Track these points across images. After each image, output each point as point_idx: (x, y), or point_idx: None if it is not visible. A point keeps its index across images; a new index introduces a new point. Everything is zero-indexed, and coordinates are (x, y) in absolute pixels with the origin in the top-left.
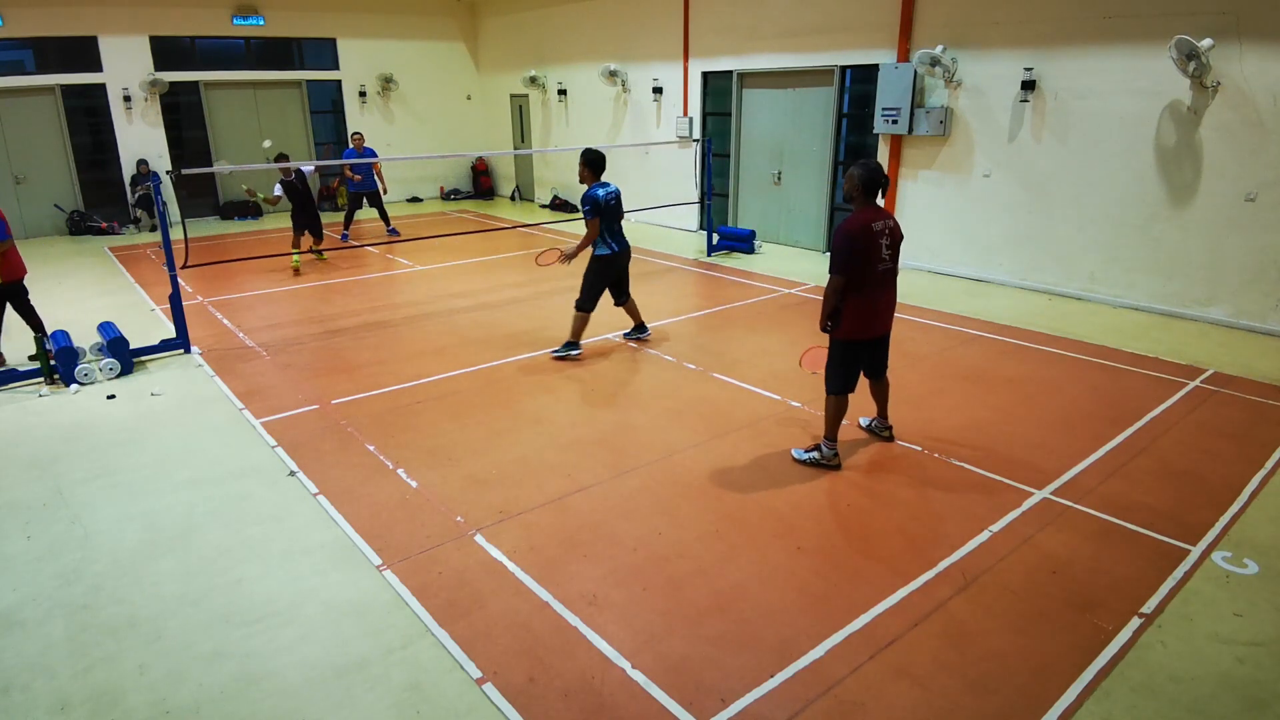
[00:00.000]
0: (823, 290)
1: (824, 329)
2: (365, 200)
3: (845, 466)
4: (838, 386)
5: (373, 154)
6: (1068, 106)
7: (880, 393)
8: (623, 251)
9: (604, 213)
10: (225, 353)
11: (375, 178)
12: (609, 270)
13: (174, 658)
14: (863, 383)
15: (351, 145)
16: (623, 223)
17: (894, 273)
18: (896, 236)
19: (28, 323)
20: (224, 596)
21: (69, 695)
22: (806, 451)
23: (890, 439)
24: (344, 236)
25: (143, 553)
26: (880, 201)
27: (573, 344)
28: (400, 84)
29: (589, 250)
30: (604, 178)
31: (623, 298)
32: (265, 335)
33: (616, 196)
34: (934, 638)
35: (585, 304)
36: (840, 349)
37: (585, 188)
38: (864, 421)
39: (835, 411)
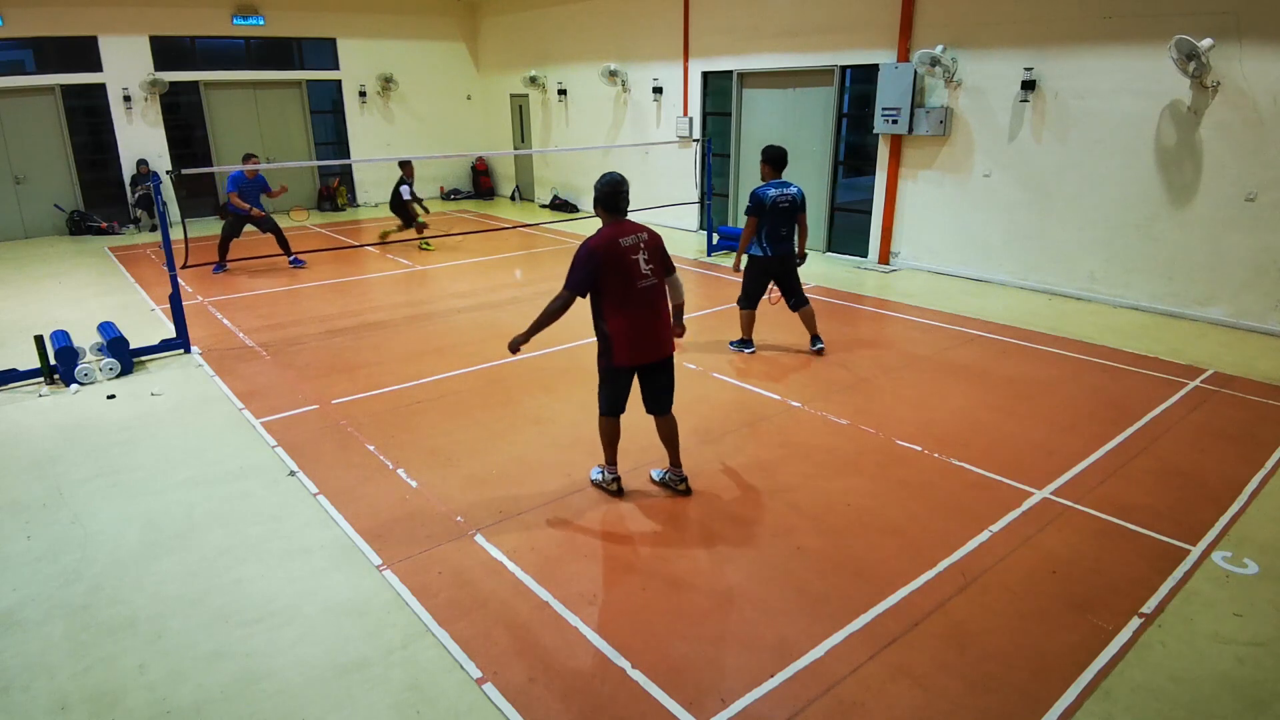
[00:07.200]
0: (810, 291)
1: (513, 348)
2: (256, 226)
3: (843, 464)
4: (605, 408)
5: (262, 180)
6: (1068, 106)
7: (666, 433)
8: (775, 258)
9: (765, 213)
10: (225, 353)
11: (259, 201)
12: (760, 272)
13: (174, 658)
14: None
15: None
16: (792, 228)
17: (661, 291)
18: (654, 247)
19: None
20: (224, 596)
21: (69, 695)
22: (596, 472)
23: (686, 492)
24: (216, 268)
25: (143, 553)
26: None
27: (745, 340)
28: (400, 84)
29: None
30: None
31: (793, 302)
32: (265, 335)
33: (791, 200)
34: (934, 638)
35: (743, 301)
36: (609, 373)
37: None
38: (655, 474)
39: (606, 434)
